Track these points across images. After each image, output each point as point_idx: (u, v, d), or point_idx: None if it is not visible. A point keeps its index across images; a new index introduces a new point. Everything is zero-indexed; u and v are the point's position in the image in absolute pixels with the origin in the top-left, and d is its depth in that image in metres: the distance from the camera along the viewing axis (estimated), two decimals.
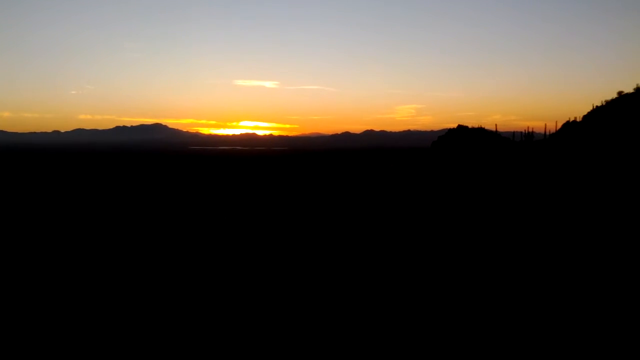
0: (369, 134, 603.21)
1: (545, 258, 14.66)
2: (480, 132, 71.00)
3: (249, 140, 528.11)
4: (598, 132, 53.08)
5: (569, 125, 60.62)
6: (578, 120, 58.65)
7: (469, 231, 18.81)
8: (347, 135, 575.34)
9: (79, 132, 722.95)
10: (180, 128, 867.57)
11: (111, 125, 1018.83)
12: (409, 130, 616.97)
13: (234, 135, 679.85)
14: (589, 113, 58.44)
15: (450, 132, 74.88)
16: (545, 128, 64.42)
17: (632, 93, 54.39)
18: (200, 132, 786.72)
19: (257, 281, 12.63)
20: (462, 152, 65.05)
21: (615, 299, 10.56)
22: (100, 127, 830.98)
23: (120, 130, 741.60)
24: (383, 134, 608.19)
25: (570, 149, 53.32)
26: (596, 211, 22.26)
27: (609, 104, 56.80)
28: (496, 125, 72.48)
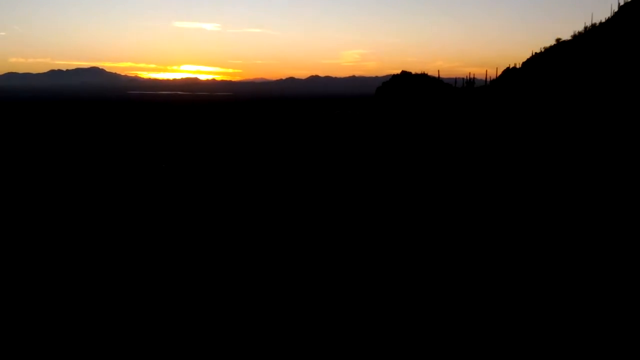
0: (314, 79, 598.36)
1: (481, 206, 13.79)
2: (423, 78, 70.26)
3: (191, 85, 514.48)
4: (536, 78, 52.94)
5: (509, 72, 60.66)
6: (518, 67, 58.26)
7: (412, 181, 17.85)
8: (292, 81, 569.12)
9: (9, 76, 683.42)
10: (118, 72, 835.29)
11: (45, 69, 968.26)
12: (354, 76, 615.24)
13: (174, 80, 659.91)
14: (528, 60, 58.29)
15: (394, 78, 73.84)
16: (487, 74, 63.42)
17: (570, 40, 54.25)
18: (139, 76, 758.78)
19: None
20: (406, 98, 64.14)
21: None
22: (33, 71, 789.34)
23: (55, 74, 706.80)
24: (328, 79, 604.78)
25: (509, 94, 53.10)
26: (534, 158, 21.39)
27: (548, 51, 56.57)
28: (439, 71, 72.33)
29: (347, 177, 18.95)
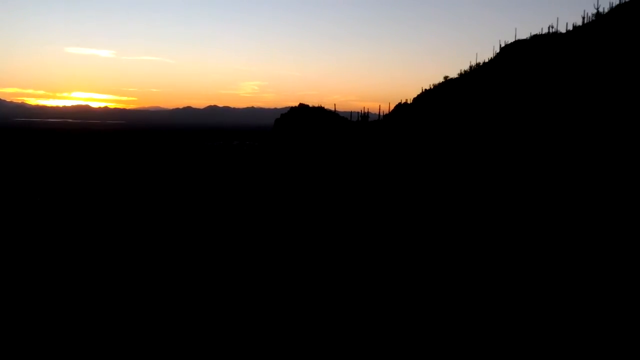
0: (212, 109, 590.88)
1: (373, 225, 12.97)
2: (320, 110, 69.51)
3: (82, 112, 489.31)
4: (425, 112, 53.85)
5: (401, 107, 61.54)
6: (409, 102, 59.24)
7: (308, 207, 16.88)
8: (189, 110, 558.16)
9: None
10: (3, 98, 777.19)
11: None
12: (252, 107, 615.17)
13: (64, 107, 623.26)
14: (418, 95, 59.55)
15: (292, 110, 72.62)
16: (380, 109, 63.91)
17: (456, 78, 55.93)
18: (26, 102, 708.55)
19: None
20: (304, 130, 62.83)
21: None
22: None
23: None
24: (227, 109, 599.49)
25: (401, 128, 53.48)
26: (426, 188, 20.32)
27: (436, 87, 58.08)
28: (335, 104, 71.57)
29: (244, 209, 17.27)
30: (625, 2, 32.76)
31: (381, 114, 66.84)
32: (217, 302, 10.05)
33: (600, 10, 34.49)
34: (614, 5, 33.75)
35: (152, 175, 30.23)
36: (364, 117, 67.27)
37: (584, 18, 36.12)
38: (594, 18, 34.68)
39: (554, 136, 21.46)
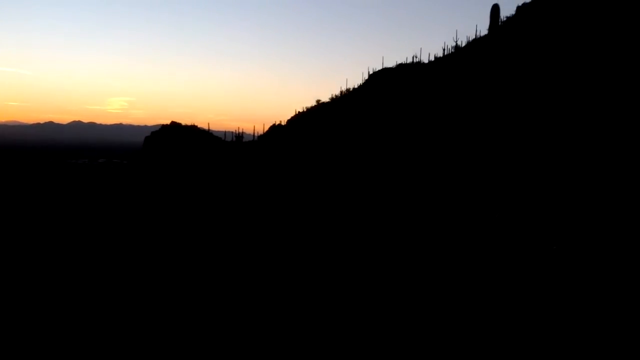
0: (76, 125, 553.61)
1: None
2: (193, 129, 67.15)
3: None
4: (298, 133, 54.38)
5: (275, 128, 61.53)
6: (283, 123, 59.59)
7: (179, 227, 15.55)
8: (51, 125, 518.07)
9: None
10: None
11: None
12: (121, 124, 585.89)
13: None
14: (292, 117, 60.03)
15: (163, 128, 69.35)
16: (254, 130, 63.52)
17: (328, 102, 57.26)
18: None
19: None
20: (175, 149, 60.22)
21: None
22: None
23: None
24: (93, 126, 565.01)
25: (274, 148, 53.38)
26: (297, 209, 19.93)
27: (309, 110, 58.98)
28: (209, 123, 69.65)
29: (108, 231, 15.45)
30: (480, 37, 35.40)
31: (256, 134, 66.42)
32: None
33: (459, 43, 36.92)
34: (470, 39, 36.33)
35: (6, 196, 26.77)
36: (238, 137, 66.22)
37: (444, 50, 38.42)
38: (453, 50, 37.01)
39: (419, 156, 22.12)
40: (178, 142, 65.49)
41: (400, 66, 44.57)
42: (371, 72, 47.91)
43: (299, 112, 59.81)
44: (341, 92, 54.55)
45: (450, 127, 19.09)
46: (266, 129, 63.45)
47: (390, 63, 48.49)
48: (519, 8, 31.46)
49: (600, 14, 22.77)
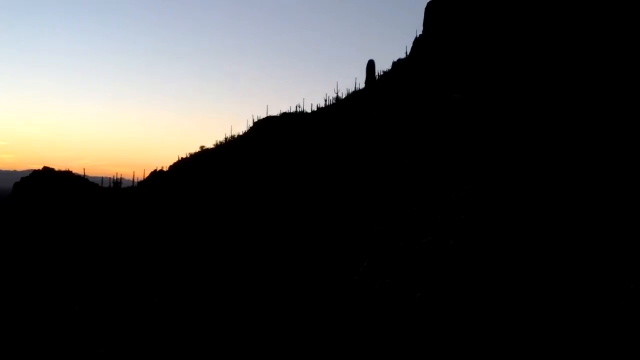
0: None
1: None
2: (66, 175, 62.36)
3: None
4: (181, 179, 52.76)
5: (156, 174, 59.06)
6: (165, 169, 57.43)
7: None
8: None
9: None
10: None
11: None
12: None
13: None
14: (174, 163, 58.22)
15: (35, 173, 63.67)
16: (134, 175, 60.44)
17: (213, 148, 56.40)
18: None
19: None
20: (46, 196, 55.44)
21: None
22: None
23: None
24: None
25: (155, 194, 51.14)
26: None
27: (193, 156, 57.62)
28: (84, 169, 65.47)
29: None
30: (358, 90, 36.90)
31: (136, 180, 63.34)
32: None
33: (339, 94, 38.16)
34: (350, 91, 37.74)
35: None
36: (116, 184, 62.71)
37: (325, 100, 39.52)
38: (334, 101, 38.16)
39: (301, 200, 22.01)
40: (50, 188, 60.58)
41: (285, 115, 45.17)
42: (256, 120, 47.99)
43: (181, 158, 58.05)
44: (226, 138, 53.97)
45: (332, 173, 19.20)
46: (147, 174, 60.72)
47: (275, 112, 49.03)
48: (394, 63, 33.36)
49: (463, 65, 24.59)
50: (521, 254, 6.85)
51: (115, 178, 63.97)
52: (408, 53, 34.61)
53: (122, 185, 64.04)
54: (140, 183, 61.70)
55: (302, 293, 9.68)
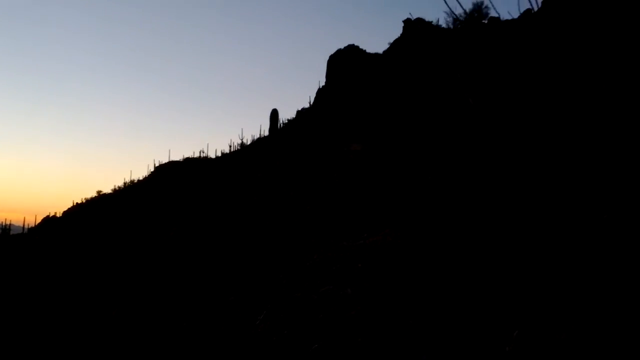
0: None
1: None
2: None
3: None
4: (76, 224, 49.86)
5: (49, 220, 55.46)
6: (58, 215, 54.10)
7: None
8: None
9: None
10: None
11: None
12: None
13: None
14: (69, 208, 55.12)
15: None
16: (24, 221, 56.51)
17: (110, 193, 54.29)
18: None
19: None
20: None
21: None
22: None
23: None
24: None
25: (49, 241, 47.72)
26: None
27: (88, 201, 54.97)
28: None
29: None
30: (263, 137, 37.12)
31: (26, 226, 59.24)
32: None
33: (244, 141, 38.12)
34: (255, 138, 37.85)
35: None
36: (4, 230, 57.99)
37: (230, 146, 39.30)
38: (239, 147, 38.04)
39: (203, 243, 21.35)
40: None
41: (188, 160, 44.28)
42: (157, 165, 46.59)
43: (77, 203, 54.91)
44: (125, 183, 51.82)
45: (234, 219, 18.85)
46: (39, 220, 56.72)
47: (178, 157, 48.00)
48: (298, 112, 34.05)
49: (363, 115, 25.50)
50: (417, 302, 6.91)
51: (3, 224, 59.02)
52: (311, 103, 35.49)
53: (12, 232, 59.16)
54: (32, 229, 57.42)
55: (197, 348, 9.17)
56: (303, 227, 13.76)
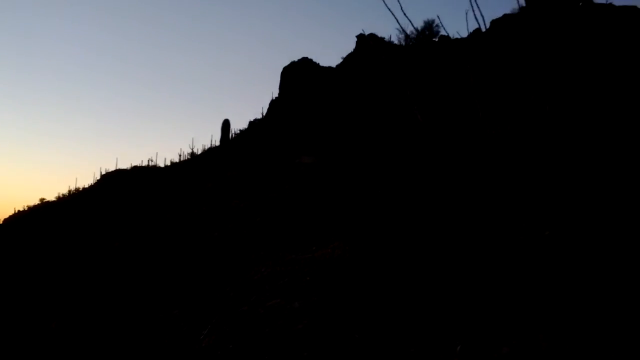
0: None
1: None
2: None
3: None
4: (16, 234, 47.94)
5: None
6: None
7: None
8: None
9: None
10: None
11: None
12: None
13: None
14: (9, 216, 53.27)
15: None
16: None
17: (54, 200, 52.49)
18: None
19: None
20: None
21: None
22: None
23: None
24: None
25: None
26: None
27: (31, 209, 53.04)
28: None
29: None
30: (214, 147, 36.64)
31: None
32: None
33: (195, 150, 37.56)
34: (206, 148, 37.31)
35: None
36: None
37: (180, 155, 38.65)
38: (189, 156, 37.45)
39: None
40: None
41: (135, 168, 43.23)
42: (104, 173, 45.31)
43: (18, 210, 52.70)
44: (69, 191, 50.09)
45: (181, 230, 18.44)
46: None
47: (125, 165, 46.95)
48: (250, 123, 33.92)
49: (315, 128, 25.54)
50: (362, 315, 6.87)
51: None
52: (264, 114, 35.38)
53: None
54: None
55: None
56: (253, 239, 13.57)
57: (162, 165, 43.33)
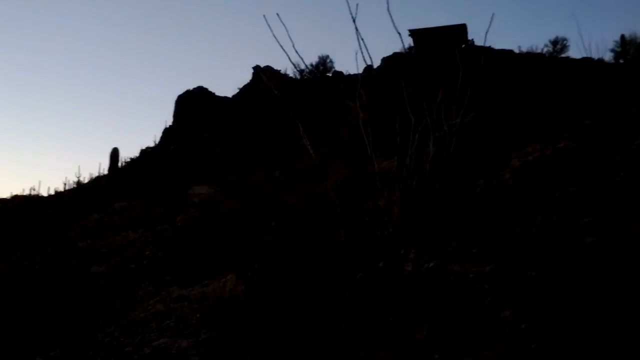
0: None
1: None
2: None
3: None
4: None
5: None
6: None
7: None
8: None
9: None
10: None
11: None
12: None
13: None
14: None
15: None
16: None
17: None
18: None
19: None
20: None
21: None
22: None
23: None
24: None
25: None
26: None
27: None
28: None
29: None
30: (102, 175, 34.64)
31: None
32: None
33: (81, 178, 35.19)
34: (93, 176, 35.13)
35: None
36: None
37: (65, 184, 36.06)
38: (75, 186, 35.01)
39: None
40: None
41: (16, 197, 39.59)
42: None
43: None
44: None
45: (64, 267, 17.21)
46: None
47: (4, 194, 42.72)
48: (142, 151, 32.58)
49: (210, 157, 25.14)
50: (253, 351, 6.78)
51: None
52: (157, 142, 34.25)
53: None
54: None
55: None
56: (141, 274, 12.97)
57: (45, 194, 40.13)
